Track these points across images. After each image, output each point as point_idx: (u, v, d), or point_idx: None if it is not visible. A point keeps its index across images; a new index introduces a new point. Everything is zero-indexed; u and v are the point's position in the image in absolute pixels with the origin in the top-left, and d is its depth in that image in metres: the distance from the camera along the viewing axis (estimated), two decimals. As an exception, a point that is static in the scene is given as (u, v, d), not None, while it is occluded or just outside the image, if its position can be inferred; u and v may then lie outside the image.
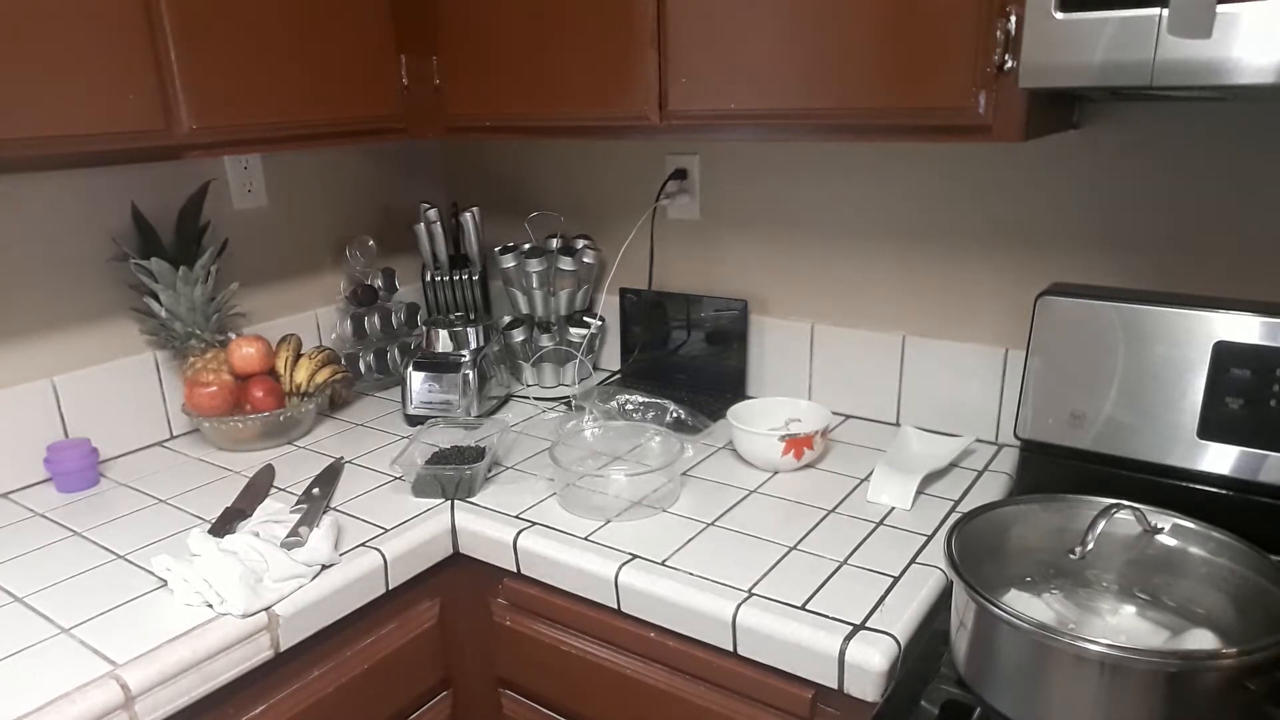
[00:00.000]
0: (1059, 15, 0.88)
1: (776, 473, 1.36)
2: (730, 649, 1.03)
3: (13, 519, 1.28)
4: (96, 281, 1.45)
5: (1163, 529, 0.94)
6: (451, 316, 1.73)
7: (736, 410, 1.42)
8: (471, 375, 1.59)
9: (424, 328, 1.67)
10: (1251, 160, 1.17)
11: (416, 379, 1.60)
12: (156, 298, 1.46)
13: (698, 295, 1.67)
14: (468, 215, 1.73)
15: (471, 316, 1.74)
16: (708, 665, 1.07)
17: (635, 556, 1.13)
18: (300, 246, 1.76)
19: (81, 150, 1.13)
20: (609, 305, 1.82)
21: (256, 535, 1.11)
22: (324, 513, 1.21)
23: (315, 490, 1.30)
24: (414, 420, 1.59)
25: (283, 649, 1.06)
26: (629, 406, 1.53)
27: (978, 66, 1.02)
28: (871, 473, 1.31)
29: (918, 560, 1.10)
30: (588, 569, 1.13)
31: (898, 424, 1.53)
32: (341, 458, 1.45)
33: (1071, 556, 0.90)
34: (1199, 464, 1.13)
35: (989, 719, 0.84)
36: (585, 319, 1.76)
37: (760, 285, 1.64)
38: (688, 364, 1.71)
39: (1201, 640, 0.86)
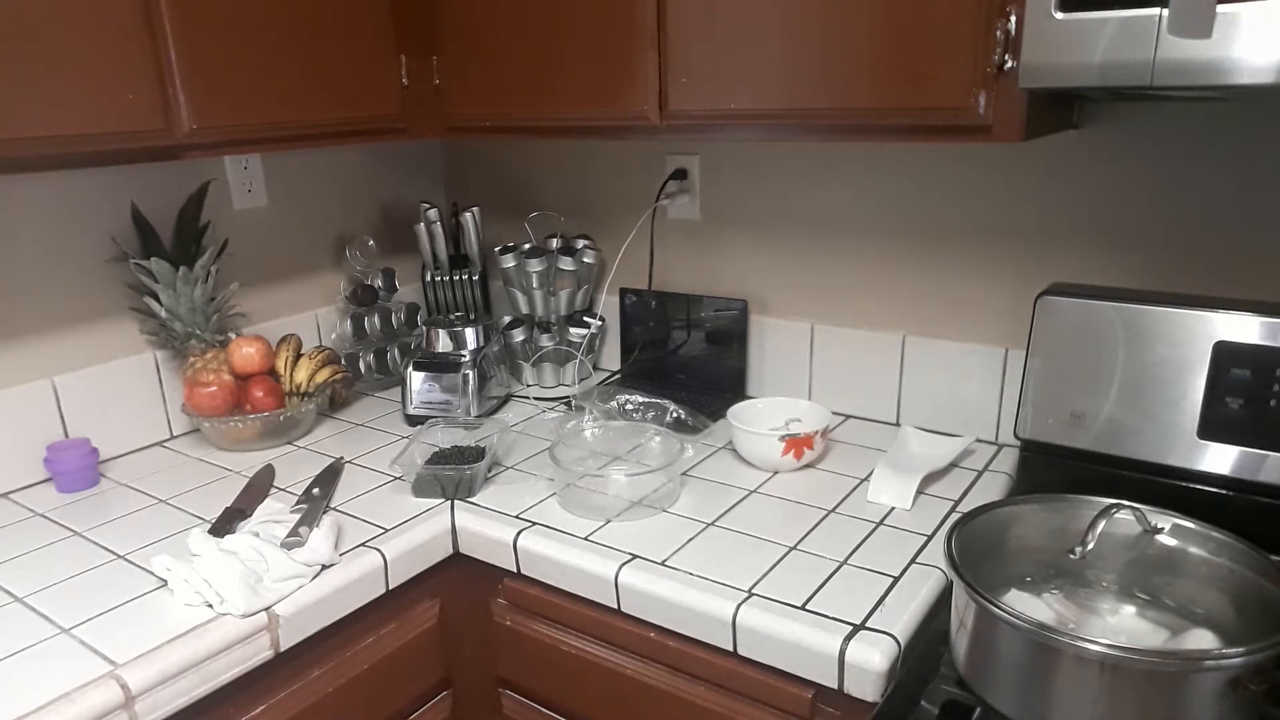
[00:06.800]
0: (1059, 15, 0.88)
1: (776, 473, 1.36)
2: (730, 649, 1.03)
3: (13, 519, 1.28)
4: (96, 281, 1.45)
5: (1163, 529, 0.94)
6: (451, 316, 1.73)
7: (736, 410, 1.42)
8: (471, 375, 1.59)
9: (424, 328, 1.67)
10: (1251, 160, 1.17)
11: (416, 379, 1.60)
12: (156, 298, 1.46)
13: (698, 295, 1.67)
14: (468, 215, 1.73)
15: (471, 316, 1.74)
16: (708, 665, 1.07)
17: (635, 556, 1.13)
18: (300, 246, 1.76)
19: (81, 150, 1.13)
20: (609, 305, 1.82)
21: (256, 535, 1.11)
22: (324, 513, 1.21)
23: (315, 490, 1.30)
24: (414, 420, 1.59)
25: (283, 649, 1.06)
26: (629, 406, 1.53)
27: (978, 66, 1.02)
28: (871, 473, 1.31)
29: (918, 560, 1.10)
30: (588, 569, 1.13)
31: (898, 424, 1.53)
32: (341, 458, 1.45)
33: (1071, 556, 0.90)
34: (1199, 464, 1.13)
35: (989, 719, 0.84)
36: (585, 319, 1.76)
37: (760, 285, 1.64)
38: (688, 364, 1.71)
39: (1201, 640, 0.86)
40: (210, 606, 1.03)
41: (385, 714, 1.23)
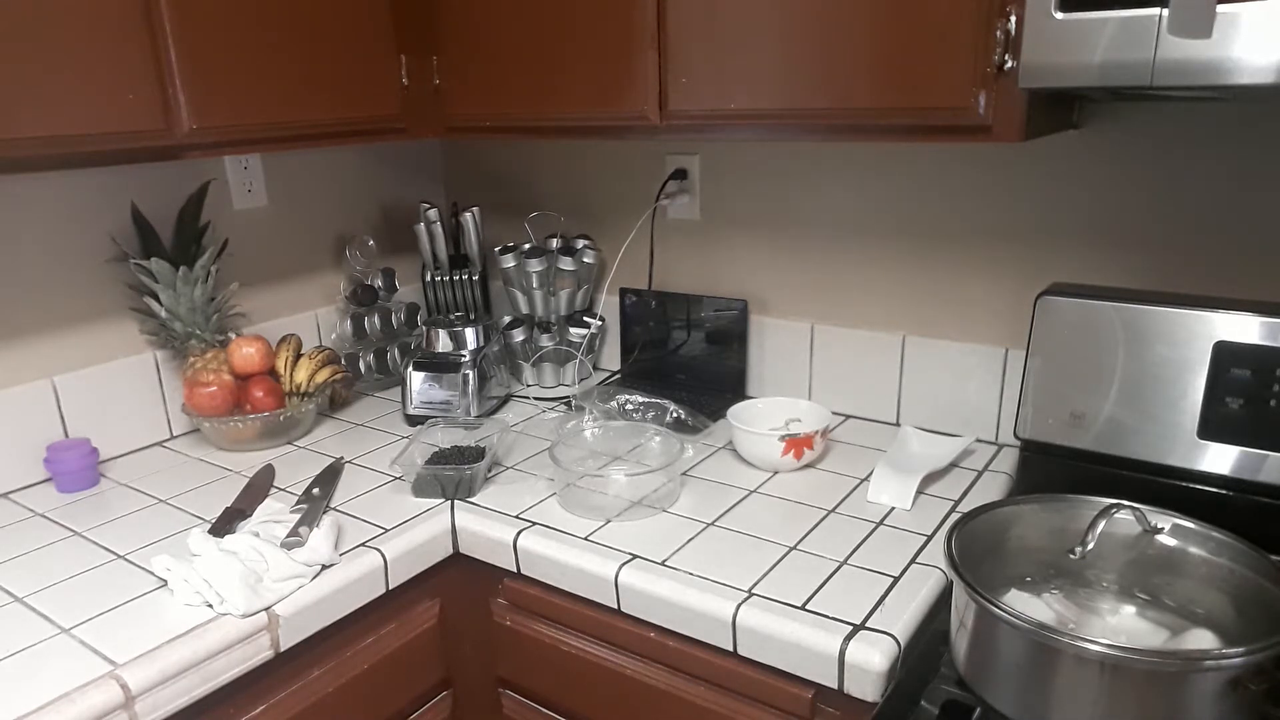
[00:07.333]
0: (1059, 15, 0.88)
1: (776, 473, 1.36)
2: (730, 649, 1.03)
3: (13, 519, 1.28)
4: (96, 281, 1.45)
5: (1163, 529, 0.94)
6: (451, 316, 1.73)
7: (736, 410, 1.42)
8: (471, 375, 1.59)
9: (424, 328, 1.67)
10: (1251, 160, 1.17)
11: (416, 379, 1.60)
12: (156, 298, 1.46)
13: (698, 295, 1.66)
14: (468, 215, 1.73)
15: (471, 316, 1.74)
16: (708, 665, 1.07)
17: (635, 556, 1.13)
18: (300, 246, 1.76)
19: (81, 150, 1.13)
20: (609, 305, 1.82)
21: (256, 535, 1.11)
22: (324, 513, 1.21)
23: (315, 490, 1.30)
24: (414, 420, 1.59)
25: (283, 649, 1.06)
26: (629, 406, 1.53)
27: (978, 66, 1.02)
28: (871, 473, 1.31)
29: (918, 560, 1.10)
30: (588, 569, 1.13)
31: (898, 424, 1.53)
32: (341, 458, 1.45)
33: (1071, 556, 0.90)
34: (1199, 464, 1.13)
35: (989, 719, 0.84)
36: (585, 319, 1.76)
37: (760, 285, 1.64)
38: (688, 364, 1.71)
39: (1201, 640, 0.86)
40: (210, 606, 1.03)
41: (385, 714, 1.23)
